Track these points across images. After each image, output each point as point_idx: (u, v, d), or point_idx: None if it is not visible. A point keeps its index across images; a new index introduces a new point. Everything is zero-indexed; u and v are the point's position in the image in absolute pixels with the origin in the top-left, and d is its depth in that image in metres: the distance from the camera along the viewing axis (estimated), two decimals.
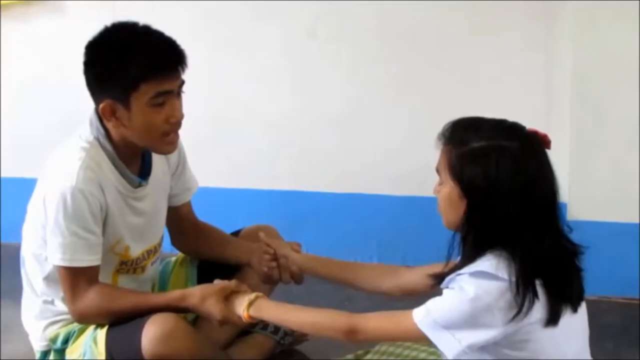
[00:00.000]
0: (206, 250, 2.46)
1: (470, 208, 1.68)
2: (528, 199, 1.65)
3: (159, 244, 2.37)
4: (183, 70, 2.10)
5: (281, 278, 2.29)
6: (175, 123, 2.11)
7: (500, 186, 1.64)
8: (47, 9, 3.64)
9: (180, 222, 2.44)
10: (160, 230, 2.37)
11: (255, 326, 2.51)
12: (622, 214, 3.02)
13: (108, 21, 3.58)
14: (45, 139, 3.72)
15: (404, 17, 3.27)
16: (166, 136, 2.12)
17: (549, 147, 1.74)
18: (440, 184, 1.75)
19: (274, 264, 2.30)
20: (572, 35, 3.01)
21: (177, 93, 2.12)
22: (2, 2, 3.60)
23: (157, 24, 2.14)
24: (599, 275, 3.00)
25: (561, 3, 3.05)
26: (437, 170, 1.76)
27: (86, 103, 3.67)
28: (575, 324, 1.74)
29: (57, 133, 3.64)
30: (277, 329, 2.53)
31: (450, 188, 1.71)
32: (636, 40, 2.90)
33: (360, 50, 3.36)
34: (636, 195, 2.98)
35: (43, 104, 3.75)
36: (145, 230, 2.28)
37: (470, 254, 1.69)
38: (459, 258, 1.74)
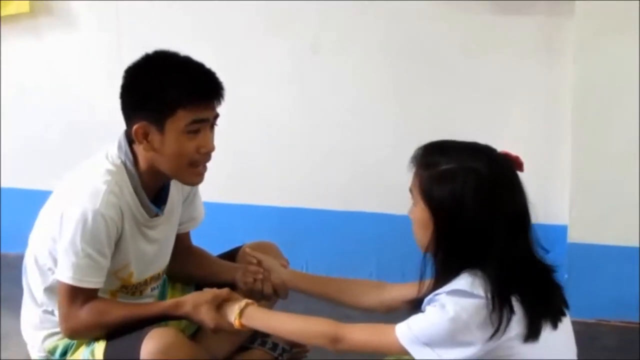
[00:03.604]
0: (194, 273, 2.45)
1: (437, 228, 1.72)
2: (495, 220, 1.68)
3: (164, 271, 2.36)
4: (219, 102, 2.10)
5: (263, 291, 2.27)
6: (205, 154, 2.11)
7: (467, 207, 1.68)
8: (49, 19, 3.64)
9: (175, 248, 2.40)
10: (167, 258, 2.35)
11: (254, 342, 2.51)
12: (622, 237, 3.03)
13: (113, 26, 3.55)
14: (46, 150, 3.73)
15: (407, 31, 3.28)
16: (194, 167, 2.12)
17: (521, 170, 1.77)
18: (414, 205, 1.78)
19: (251, 279, 2.28)
20: (573, 50, 3.01)
21: (211, 125, 2.12)
22: (2, 12, 3.61)
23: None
24: (598, 298, 3.01)
25: (563, 16, 3.06)
26: (410, 191, 1.79)
27: (88, 114, 3.69)
28: (560, 341, 1.75)
29: (58, 144, 3.67)
30: (275, 344, 2.53)
31: (421, 210, 1.75)
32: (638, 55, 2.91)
33: (363, 63, 3.36)
34: (636, 218, 2.98)
35: (44, 115, 3.75)
36: (154, 258, 2.27)
37: (443, 275, 1.73)
38: (432, 278, 1.77)
